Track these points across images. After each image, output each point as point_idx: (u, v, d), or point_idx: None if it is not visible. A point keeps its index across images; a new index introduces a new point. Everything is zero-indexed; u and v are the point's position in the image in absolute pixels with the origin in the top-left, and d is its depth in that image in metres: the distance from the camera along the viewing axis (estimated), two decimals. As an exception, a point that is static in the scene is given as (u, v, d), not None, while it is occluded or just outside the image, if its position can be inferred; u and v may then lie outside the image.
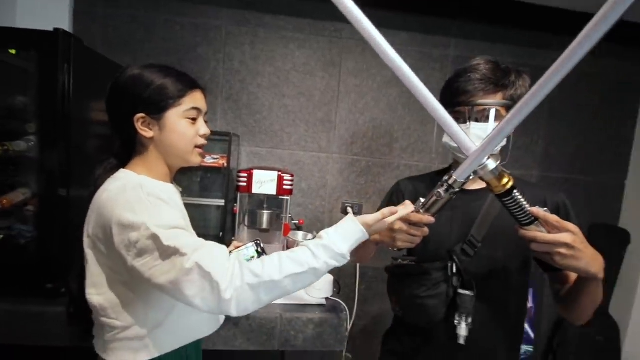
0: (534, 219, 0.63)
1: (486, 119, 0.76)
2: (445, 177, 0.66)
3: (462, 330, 0.75)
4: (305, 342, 1.15)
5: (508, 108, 0.75)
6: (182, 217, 0.73)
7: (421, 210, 0.70)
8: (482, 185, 0.82)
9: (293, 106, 1.74)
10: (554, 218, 0.61)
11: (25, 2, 1.55)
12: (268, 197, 1.53)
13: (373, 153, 1.79)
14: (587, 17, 0.41)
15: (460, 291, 0.76)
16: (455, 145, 0.66)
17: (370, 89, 1.76)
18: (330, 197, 1.80)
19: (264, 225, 1.54)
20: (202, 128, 0.76)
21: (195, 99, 0.74)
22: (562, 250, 0.60)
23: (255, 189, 1.45)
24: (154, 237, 0.61)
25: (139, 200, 0.64)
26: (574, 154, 1.92)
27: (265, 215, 1.54)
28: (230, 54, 1.69)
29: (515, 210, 0.64)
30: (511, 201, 0.63)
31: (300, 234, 1.66)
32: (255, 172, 1.44)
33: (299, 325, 1.15)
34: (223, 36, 1.67)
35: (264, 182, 1.45)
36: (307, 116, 1.75)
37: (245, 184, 1.45)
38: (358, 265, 1.75)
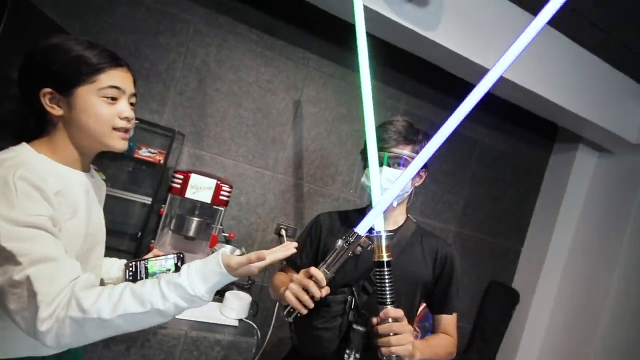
0: (385, 302, 0.72)
1: (398, 165, 0.89)
2: (348, 233, 0.74)
3: None
4: (207, 365, 1.09)
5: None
6: (66, 215, 0.63)
7: (323, 267, 0.73)
8: (394, 226, 0.92)
9: (248, 118, 1.72)
10: (385, 329, 0.71)
11: None
12: (202, 204, 1.46)
13: (316, 181, 1.84)
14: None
15: (354, 326, 0.81)
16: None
17: (326, 120, 1.83)
18: (266, 216, 1.78)
19: (191, 233, 1.46)
20: (125, 110, 0.68)
21: (115, 77, 0.66)
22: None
23: (189, 194, 1.37)
24: None
25: (3, 182, 0.55)
26: (486, 217, 2.20)
27: (195, 222, 1.46)
28: (194, 51, 1.64)
29: (377, 284, 0.73)
30: (378, 274, 0.73)
31: (228, 248, 1.59)
32: (193, 176, 1.38)
33: (204, 346, 1.08)
34: (190, 32, 1.63)
35: (200, 188, 1.39)
36: (260, 131, 1.74)
37: (179, 186, 1.37)
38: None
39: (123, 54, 0.72)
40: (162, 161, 1.46)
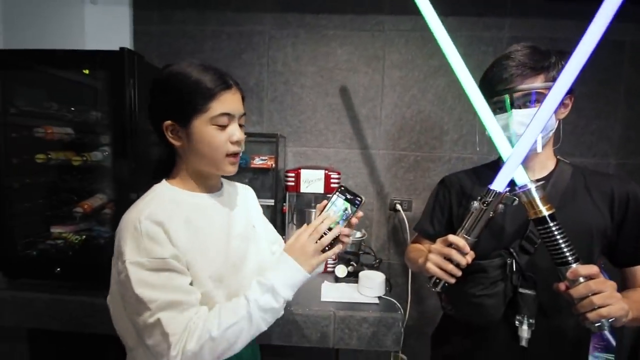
0: (567, 261, 0.60)
1: (530, 103, 0.72)
2: (484, 192, 0.66)
3: (524, 332, 0.71)
4: (360, 341, 1.14)
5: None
6: (200, 238, 0.67)
7: (462, 233, 0.66)
8: (541, 173, 0.77)
9: (337, 104, 1.73)
10: (582, 291, 0.58)
11: (92, 25, 1.73)
12: (316, 195, 1.54)
13: (422, 147, 1.72)
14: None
15: (521, 290, 0.72)
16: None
17: (417, 80, 1.69)
18: (378, 195, 1.76)
19: (313, 224, 1.56)
20: (235, 134, 0.68)
21: (225, 103, 0.65)
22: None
23: (303, 188, 1.47)
24: (128, 278, 0.59)
25: (133, 225, 0.60)
26: (661, 137, 1.67)
27: (313, 214, 1.55)
28: (274, 57, 1.73)
29: (548, 244, 0.62)
30: (543, 232, 0.62)
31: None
32: (303, 172, 1.46)
33: (352, 324, 1.14)
34: (266, 41, 1.72)
35: (312, 181, 1.47)
36: (351, 113, 1.73)
37: (293, 184, 1.48)
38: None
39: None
40: (273, 165, 1.60)
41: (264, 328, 0.65)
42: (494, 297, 0.72)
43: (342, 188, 0.71)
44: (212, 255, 0.68)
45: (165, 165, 0.74)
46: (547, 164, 0.79)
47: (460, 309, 0.81)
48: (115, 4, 1.72)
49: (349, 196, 0.70)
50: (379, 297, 1.26)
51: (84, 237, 1.40)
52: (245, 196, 0.89)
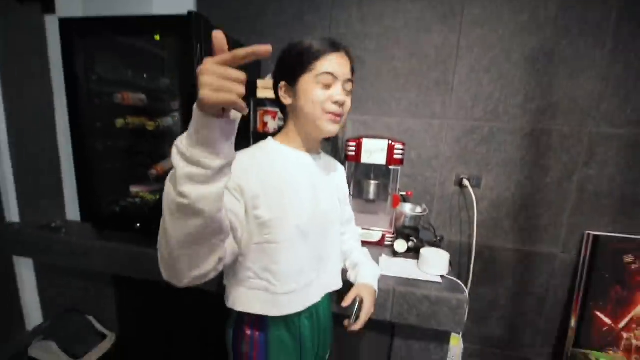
0: None
1: None
2: None
3: None
4: (420, 319, 1.10)
5: None
6: (286, 187, 0.72)
7: None
8: None
9: (403, 69, 1.59)
10: None
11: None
12: (375, 166, 1.47)
13: (500, 116, 1.53)
14: None
15: None
16: None
17: (500, 39, 1.46)
18: (442, 168, 1.63)
19: (371, 196, 1.50)
20: (336, 94, 0.71)
21: (330, 63, 0.70)
22: None
23: (364, 159, 1.40)
24: None
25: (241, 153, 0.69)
26: None
27: (372, 185, 1.50)
28: (337, 19, 1.61)
29: None
30: None
31: (407, 207, 1.57)
32: (365, 141, 1.38)
33: (413, 301, 1.09)
34: (330, 1, 1.60)
35: (374, 152, 1.39)
36: (419, 79, 1.58)
37: (353, 153, 1.41)
38: (474, 243, 1.58)
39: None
40: (333, 134, 1.54)
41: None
42: None
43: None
44: (300, 206, 0.73)
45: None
46: None
47: None
48: (180, -32, 1.71)
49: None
50: (441, 276, 1.19)
51: (158, 196, 1.51)
52: (336, 170, 0.93)
